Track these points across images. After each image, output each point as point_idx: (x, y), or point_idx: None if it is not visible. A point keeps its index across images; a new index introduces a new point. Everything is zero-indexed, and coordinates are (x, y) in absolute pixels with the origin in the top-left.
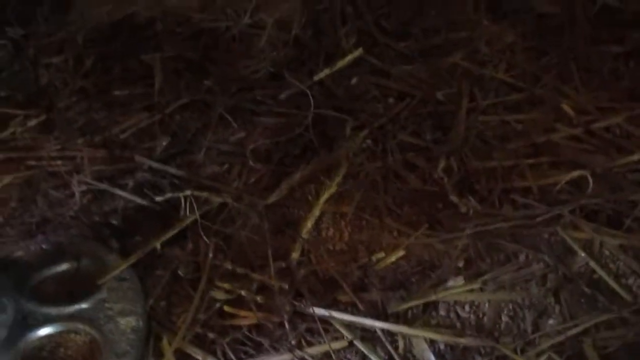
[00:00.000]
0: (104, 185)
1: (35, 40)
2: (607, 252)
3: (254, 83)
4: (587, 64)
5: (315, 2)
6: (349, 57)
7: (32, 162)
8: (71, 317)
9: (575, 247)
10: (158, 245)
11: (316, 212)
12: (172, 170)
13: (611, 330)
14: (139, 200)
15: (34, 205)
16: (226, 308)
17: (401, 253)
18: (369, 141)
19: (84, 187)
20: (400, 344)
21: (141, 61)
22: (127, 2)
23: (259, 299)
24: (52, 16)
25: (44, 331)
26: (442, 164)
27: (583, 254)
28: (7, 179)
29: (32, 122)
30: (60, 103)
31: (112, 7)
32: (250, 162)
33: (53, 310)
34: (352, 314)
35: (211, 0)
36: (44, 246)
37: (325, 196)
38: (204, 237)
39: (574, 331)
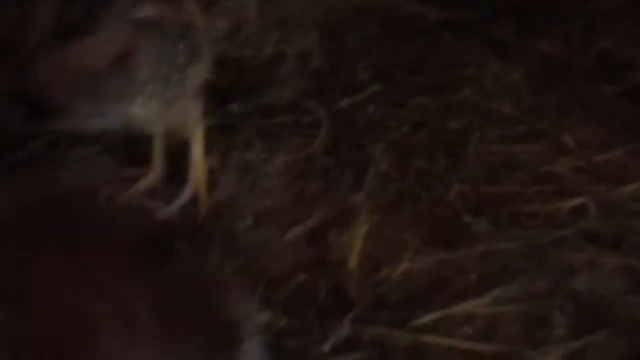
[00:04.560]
0: None
1: None
2: (607, 271)
3: (277, 109)
4: (586, 101)
5: (332, 39)
6: (367, 91)
7: None
8: None
9: (579, 266)
10: None
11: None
12: None
13: (610, 342)
14: None
15: None
16: None
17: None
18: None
19: None
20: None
21: None
22: None
23: None
24: None
25: None
26: (455, 188)
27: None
28: None
29: None
30: None
31: None
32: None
33: None
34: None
35: (236, 30)
36: None
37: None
38: None
39: (579, 343)
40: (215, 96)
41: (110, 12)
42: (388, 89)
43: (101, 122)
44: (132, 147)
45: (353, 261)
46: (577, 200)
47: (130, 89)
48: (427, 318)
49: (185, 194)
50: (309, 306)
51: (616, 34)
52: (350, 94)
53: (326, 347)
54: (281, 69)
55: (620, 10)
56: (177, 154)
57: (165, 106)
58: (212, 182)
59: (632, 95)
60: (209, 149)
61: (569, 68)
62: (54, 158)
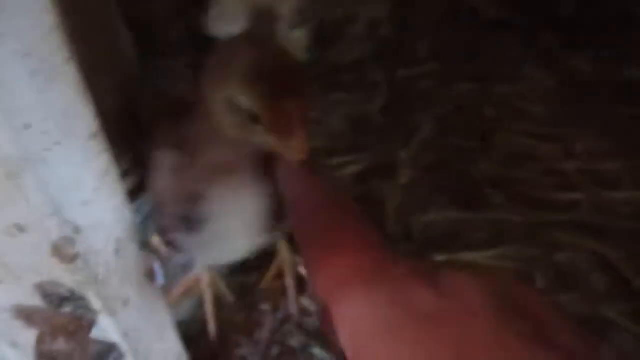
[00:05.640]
0: None
1: None
2: (584, 253)
3: (343, 68)
4: (602, 118)
5: (401, 12)
6: (423, 67)
7: None
8: None
9: (563, 245)
10: None
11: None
12: None
13: (575, 303)
14: None
15: None
16: None
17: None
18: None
19: None
20: None
21: None
22: None
23: None
24: None
25: None
26: (480, 165)
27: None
28: None
29: None
30: None
31: None
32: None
33: None
34: None
35: None
36: None
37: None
38: None
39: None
40: None
41: None
42: (440, 69)
43: None
44: None
45: (391, 205)
46: (575, 195)
47: None
48: (440, 257)
49: None
50: None
51: None
52: (408, 66)
53: None
54: (351, 31)
55: None
56: None
57: None
58: None
59: None
60: None
61: (596, 86)
62: None
